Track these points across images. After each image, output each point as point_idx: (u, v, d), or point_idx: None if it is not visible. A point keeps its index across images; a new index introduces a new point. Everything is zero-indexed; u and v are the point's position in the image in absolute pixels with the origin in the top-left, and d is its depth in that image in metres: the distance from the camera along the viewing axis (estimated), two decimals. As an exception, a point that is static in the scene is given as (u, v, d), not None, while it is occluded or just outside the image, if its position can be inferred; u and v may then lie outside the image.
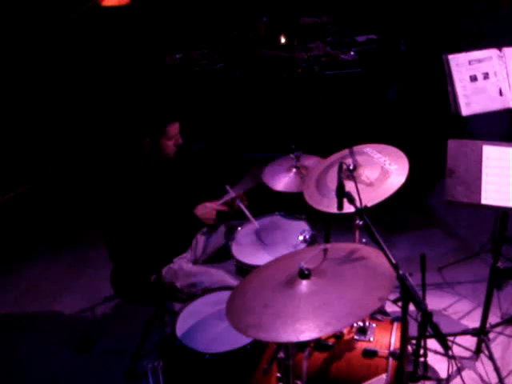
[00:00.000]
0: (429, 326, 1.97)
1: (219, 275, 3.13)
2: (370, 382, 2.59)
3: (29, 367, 3.65)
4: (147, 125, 2.97)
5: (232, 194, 3.29)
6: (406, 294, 1.97)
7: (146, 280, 3.12)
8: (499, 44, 3.42)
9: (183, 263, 3.22)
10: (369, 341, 2.69)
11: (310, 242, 3.10)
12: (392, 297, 2.07)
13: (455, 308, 3.75)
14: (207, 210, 3.16)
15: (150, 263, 3.10)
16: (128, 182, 2.98)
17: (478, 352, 3.34)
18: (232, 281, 3.05)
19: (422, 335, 2.85)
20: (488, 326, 3.29)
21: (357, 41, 5.35)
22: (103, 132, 5.10)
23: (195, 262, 3.37)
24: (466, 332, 3.40)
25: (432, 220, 4.74)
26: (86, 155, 5.32)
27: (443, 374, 3.19)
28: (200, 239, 3.43)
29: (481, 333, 3.28)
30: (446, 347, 2.04)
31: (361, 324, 2.74)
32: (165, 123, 2.99)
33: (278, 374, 2.65)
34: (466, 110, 3.30)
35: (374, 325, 2.76)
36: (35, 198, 5.19)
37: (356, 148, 2.98)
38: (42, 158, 5.38)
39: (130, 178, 2.99)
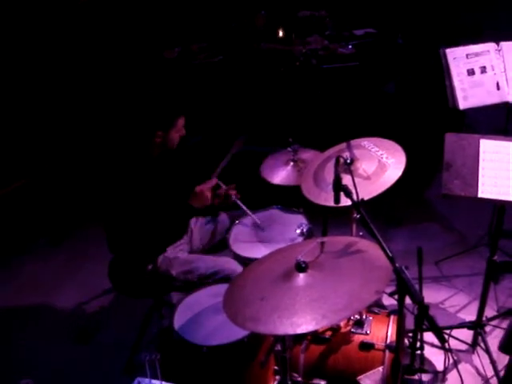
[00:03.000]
0: (425, 319, 1.98)
1: (214, 260, 3.13)
2: (367, 374, 2.60)
3: (27, 359, 3.66)
4: (162, 118, 2.99)
5: (220, 166, 3.31)
6: (402, 287, 1.98)
7: (143, 270, 3.13)
8: (497, 38, 3.42)
9: (178, 253, 3.23)
10: (365, 334, 2.71)
11: (307, 236, 3.11)
12: (389, 290, 2.07)
13: (452, 301, 3.76)
14: (199, 196, 3.15)
15: (146, 252, 3.11)
16: (130, 173, 2.99)
17: (474, 345, 3.35)
18: (227, 264, 3.06)
19: (419, 328, 2.86)
20: (484, 319, 3.31)
21: (354, 34, 5.35)
22: (107, 124, 5.09)
23: (192, 253, 3.37)
24: (462, 325, 3.41)
25: (429, 213, 4.75)
26: (87, 148, 5.31)
27: (440, 367, 3.20)
28: (196, 231, 3.43)
29: (477, 326, 3.29)
30: (443, 340, 2.05)
31: (358, 317, 2.75)
32: (176, 115, 3.02)
33: (275, 367, 2.67)
34: (463, 104, 3.31)
35: (370, 318, 2.78)
36: (34, 191, 5.19)
37: (353, 141, 2.99)
38: (40, 152, 5.38)
39: (131, 170, 3.00)
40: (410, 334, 3.01)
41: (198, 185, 3.19)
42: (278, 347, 2.41)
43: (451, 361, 3.19)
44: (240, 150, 3.42)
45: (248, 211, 3.34)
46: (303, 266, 2.16)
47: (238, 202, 3.31)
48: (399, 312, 2.10)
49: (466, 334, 3.38)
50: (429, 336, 3.22)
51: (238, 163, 3.42)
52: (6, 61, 5.16)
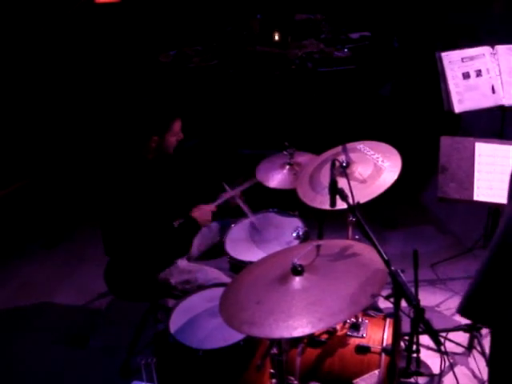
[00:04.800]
0: (421, 322, 1.98)
1: (214, 273, 3.13)
2: (363, 377, 2.60)
3: (23, 364, 3.65)
4: (157, 122, 2.96)
5: (230, 192, 3.31)
6: (398, 291, 1.98)
7: (141, 277, 3.12)
8: (492, 41, 3.43)
9: (178, 260, 3.22)
10: (362, 337, 2.71)
11: (303, 239, 3.11)
12: (385, 293, 2.08)
13: (448, 304, 3.76)
14: (203, 212, 3.15)
15: (148, 264, 3.10)
16: (125, 176, 2.98)
17: (470, 348, 3.35)
18: (226, 279, 3.06)
19: (415, 331, 2.87)
20: (480, 322, 3.32)
21: (350, 38, 5.36)
22: (103, 128, 5.09)
23: (189, 258, 3.37)
24: (458, 328, 3.41)
25: (425, 217, 4.75)
26: (84, 151, 5.31)
27: (436, 370, 3.19)
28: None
29: (473, 329, 3.30)
30: (438, 343, 2.06)
31: (354, 320, 2.76)
32: (171, 120, 3.00)
33: (272, 370, 2.67)
34: (458, 107, 3.32)
35: (366, 321, 2.78)
36: (29, 194, 5.18)
37: (349, 145, 2.99)
38: (37, 154, 5.37)
39: (126, 173, 2.99)
40: (406, 337, 3.04)
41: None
42: (275, 350, 2.41)
43: (447, 364, 3.19)
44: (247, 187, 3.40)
45: (249, 212, 3.33)
46: (299, 269, 2.16)
47: (240, 202, 3.31)
48: (395, 315, 2.11)
49: (462, 337, 3.38)
50: (425, 339, 3.23)
51: (233, 166, 3.42)
52: (6, 65, 5.17)
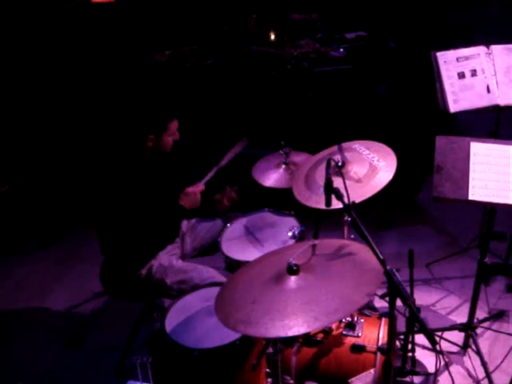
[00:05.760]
0: (416, 321, 1.98)
1: (209, 272, 3.13)
2: (359, 376, 2.61)
3: (19, 364, 3.64)
4: (153, 121, 2.97)
5: (216, 168, 3.32)
6: (393, 290, 1.98)
7: (136, 276, 3.12)
8: (487, 41, 3.44)
9: (173, 260, 3.22)
10: (357, 336, 2.71)
11: (299, 238, 3.11)
12: (380, 292, 2.08)
13: (443, 303, 3.77)
14: (190, 197, 3.15)
15: (139, 256, 3.11)
16: (121, 175, 2.98)
17: (465, 347, 3.36)
18: (221, 278, 3.06)
19: (410, 330, 2.88)
20: (475, 321, 3.32)
21: (346, 38, 5.36)
22: (98, 127, 5.09)
23: (183, 256, 3.37)
24: (453, 327, 3.42)
25: (420, 216, 4.76)
26: (79, 149, 5.30)
27: (431, 369, 3.21)
28: (187, 234, 3.43)
29: (468, 328, 3.30)
30: (434, 342, 2.06)
31: (349, 319, 2.76)
32: (168, 119, 3.00)
33: (267, 370, 2.67)
34: (453, 107, 3.32)
35: (362, 320, 2.78)
36: (25, 194, 5.17)
37: (344, 144, 2.99)
38: (32, 153, 5.36)
39: (122, 172, 2.99)
40: (402, 337, 3.04)
41: (188, 186, 3.19)
42: (270, 350, 2.41)
43: (442, 363, 3.20)
44: (237, 154, 3.42)
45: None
46: (295, 268, 2.16)
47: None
48: (390, 314, 2.11)
49: (457, 336, 3.39)
50: (420, 338, 3.24)
51: (230, 165, 3.42)
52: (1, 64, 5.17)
